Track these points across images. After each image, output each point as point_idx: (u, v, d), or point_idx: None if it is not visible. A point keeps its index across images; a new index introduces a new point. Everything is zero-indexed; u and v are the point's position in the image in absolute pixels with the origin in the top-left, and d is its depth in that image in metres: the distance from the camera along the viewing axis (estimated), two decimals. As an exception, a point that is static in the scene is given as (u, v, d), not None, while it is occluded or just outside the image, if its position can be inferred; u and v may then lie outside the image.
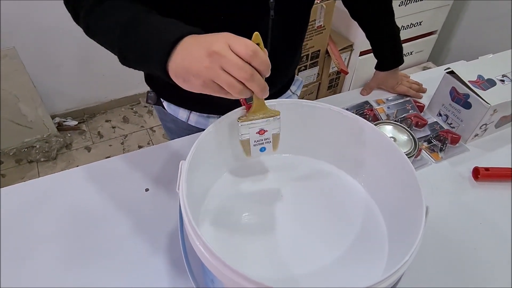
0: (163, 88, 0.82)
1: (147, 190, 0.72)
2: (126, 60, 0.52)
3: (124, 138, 2.11)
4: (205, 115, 0.83)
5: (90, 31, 0.56)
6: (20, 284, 0.58)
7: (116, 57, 0.54)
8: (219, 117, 0.85)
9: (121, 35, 0.51)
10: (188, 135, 0.82)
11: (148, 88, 0.85)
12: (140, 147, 2.06)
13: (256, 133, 0.54)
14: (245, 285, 0.37)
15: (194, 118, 0.83)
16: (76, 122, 2.14)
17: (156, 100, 0.84)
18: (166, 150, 0.80)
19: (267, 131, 0.54)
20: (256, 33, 0.45)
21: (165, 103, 0.84)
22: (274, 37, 0.68)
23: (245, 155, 0.57)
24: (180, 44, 0.46)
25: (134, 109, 2.28)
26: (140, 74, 0.84)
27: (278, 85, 0.84)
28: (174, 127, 0.88)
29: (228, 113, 0.55)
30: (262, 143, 0.56)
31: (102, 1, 0.54)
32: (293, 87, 0.92)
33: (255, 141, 0.55)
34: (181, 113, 0.84)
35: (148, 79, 0.83)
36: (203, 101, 0.81)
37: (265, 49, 0.46)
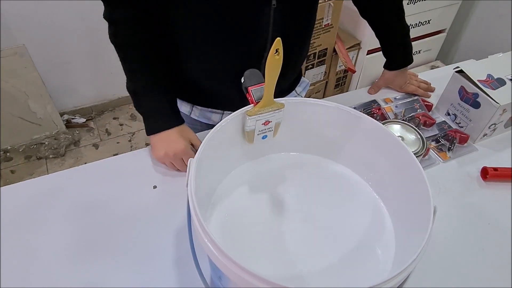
0: None
1: (155, 187, 0.72)
2: None
3: (132, 136, 2.12)
4: (208, 109, 0.83)
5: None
6: (28, 280, 0.59)
7: None
8: (222, 111, 0.84)
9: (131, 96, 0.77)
10: (191, 128, 0.82)
11: None
12: (147, 144, 2.04)
13: (262, 124, 0.57)
14: (252, 282, 0.38)
15: (197, 111, 0.84)
16: (84, 120, 2.15)
17: None
18: (173, 148, 0.80)
19: (271, 121, 0.58)
20: (278, 39, 0.49)
21: None
22: (278, 26, 0.67)
23: (247, 142, 0.60)
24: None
25: (141, 106, 2.29)
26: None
27: (288, 78, 0.83)
28: None
29: (236, 112, 0.55)
30: (265, 132, 0.60)
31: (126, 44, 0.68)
32: (298, 88, 0.91)
33: (259, 130, 0.58)
34: (184, 107, 0.84)
35: None
36: (205, 95, 0.81)
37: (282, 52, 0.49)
